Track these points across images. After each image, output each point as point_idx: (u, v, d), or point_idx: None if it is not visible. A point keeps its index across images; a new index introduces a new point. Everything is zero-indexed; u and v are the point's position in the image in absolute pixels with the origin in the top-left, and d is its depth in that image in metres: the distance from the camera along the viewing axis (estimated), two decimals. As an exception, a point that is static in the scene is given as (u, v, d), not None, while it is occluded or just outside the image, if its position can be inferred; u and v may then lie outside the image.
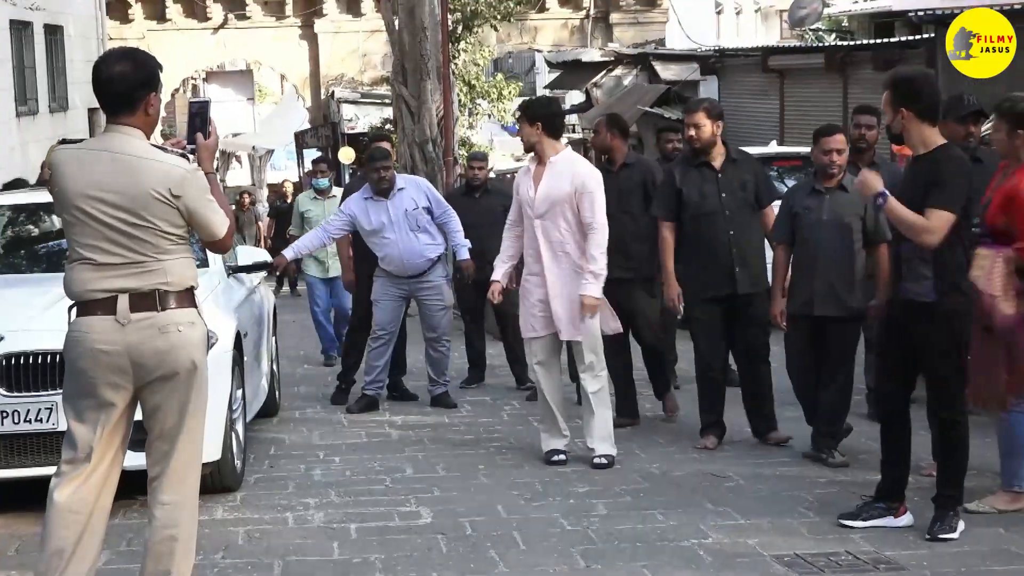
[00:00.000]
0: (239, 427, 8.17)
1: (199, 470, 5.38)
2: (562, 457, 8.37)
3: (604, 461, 8.23)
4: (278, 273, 11.15)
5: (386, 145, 11.39)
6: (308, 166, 32.41)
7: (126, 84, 5.13)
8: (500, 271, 8.67)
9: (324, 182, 13.53)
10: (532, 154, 8.43)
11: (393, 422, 10.16)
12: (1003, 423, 7.04)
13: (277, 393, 10.65)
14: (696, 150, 8.76)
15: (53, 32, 26.00)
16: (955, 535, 6.41)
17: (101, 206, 5.07)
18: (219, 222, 5.22)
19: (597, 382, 8.33)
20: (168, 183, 5.07)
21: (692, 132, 8.71)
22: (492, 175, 14.17)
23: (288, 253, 10.76)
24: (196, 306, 5.28)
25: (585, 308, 8.15)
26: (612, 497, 7.51)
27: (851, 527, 6.63)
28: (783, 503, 7.22)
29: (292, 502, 7.61)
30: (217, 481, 7.70)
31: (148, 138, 5.24)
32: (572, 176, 8.23)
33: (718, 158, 8.73)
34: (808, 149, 8.95)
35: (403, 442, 9.38)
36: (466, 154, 19.59)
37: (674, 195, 8.79)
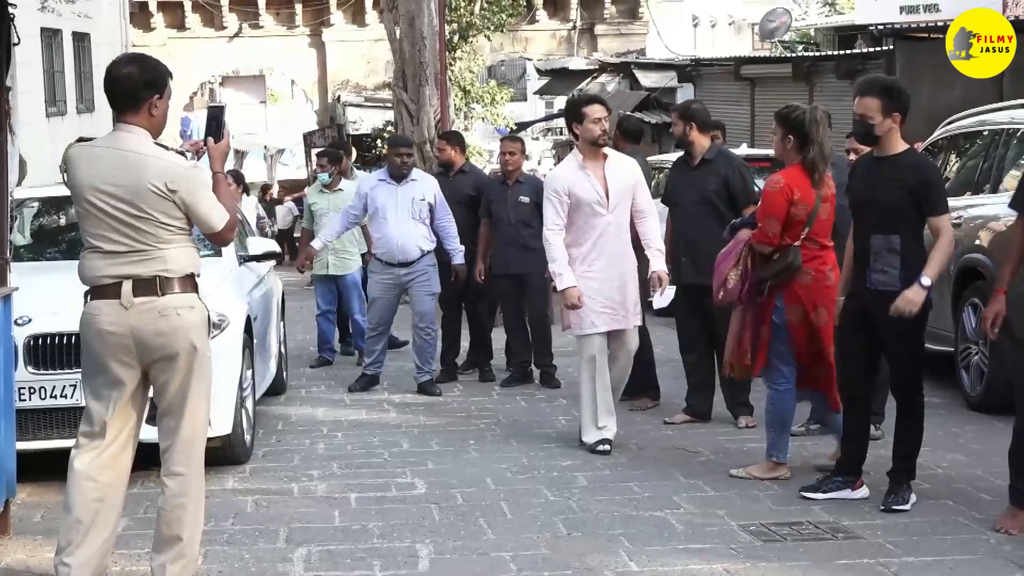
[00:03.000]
0: (249, 404, 8.14)
1: (204, 444, 5.35)
2: (607, 448, 7.92)
3: (608, 447, 7.92)
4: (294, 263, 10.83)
5: (442, 143, 11.32)
6: (314, 163, 32.31)
7: (131, 85, 5.14)
8: (572, 275, 7.86)
9: (325, 176, 12.81)
10: (572, 151, 8.10)
11: (391, 400, 10.14)
12: (768, 398, 7.21)
13: (284, 373, 10.64)
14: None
15: (80, 39, 25.91)
16: (907, 507, 6.42)
17: (107, 198, 5.07)
18: (216, 216, 5.18)
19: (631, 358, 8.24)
20: (164, 178, 5.06)
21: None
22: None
23: (316, 243, 10.64)
24: (197, 291, 5.26)
25: (662, 281, 7.98)
26: (592, 470, 7.50)
27: (812, 499, 6.64)
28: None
29: (297, 474, 7.61)
30: (228, 454, 7.69)
31: (155, 138, 5.22)
32: (631, 168, 8.07)
33: (697, 156, 8.71)
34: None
35: (400, 419, 9.36)
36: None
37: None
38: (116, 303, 5.11)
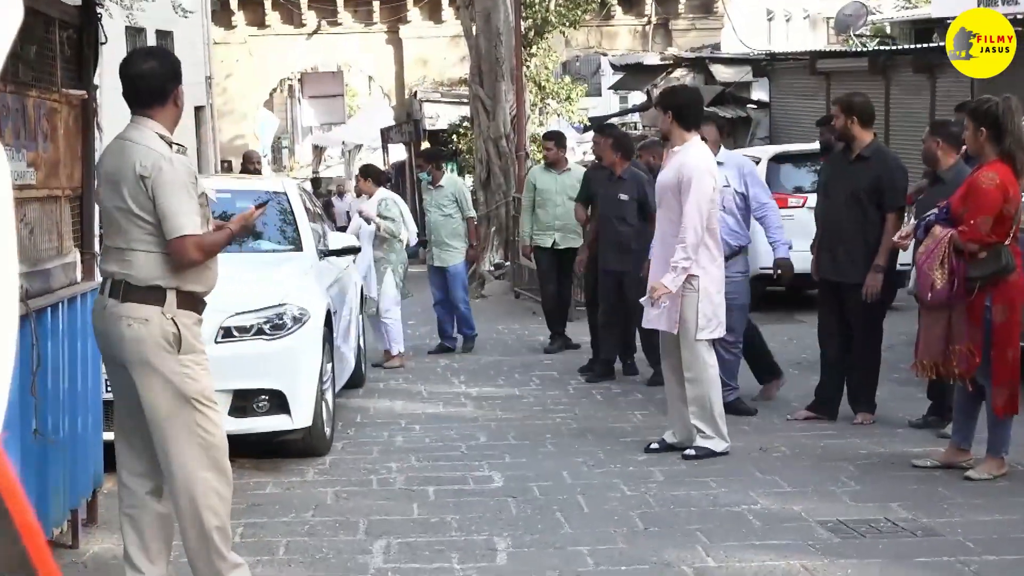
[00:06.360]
0: (328, 397, 8.19)
1: (186, 468, 4.92)
2: (656, 446, 7.80)
3: (692, 452, 7.61)
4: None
5: (605, 140, 10.59)
6: (392, 159, 32.38)
7: (156, 79, 5.09)
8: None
9: (424, 176, 12.97)
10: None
11: (468, 394, 10.15)
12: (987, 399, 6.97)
13: (363, 366, 10.68)
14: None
15: (164, 37, 26.21)
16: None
17: (105, 190, 4.99)
18: (181, 223, 4.78)
19: (689, 372, 7.59)
20: (144, 161, 4.83)
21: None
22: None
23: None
24: (162, 305, 4.86)
25: (655, 292, 7.45)
26: (668, 465, 7.45)
27: None
28: (827, 473, 7.14)
29: (376, 466, 7.63)
30: (309, 446, 7.73)
31: (170, 130, 5.07)
32: (680, 165, 7.52)
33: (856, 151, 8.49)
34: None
35: (477, 412, 9.38)
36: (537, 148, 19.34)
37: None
38: (100, 299, 4.99)
